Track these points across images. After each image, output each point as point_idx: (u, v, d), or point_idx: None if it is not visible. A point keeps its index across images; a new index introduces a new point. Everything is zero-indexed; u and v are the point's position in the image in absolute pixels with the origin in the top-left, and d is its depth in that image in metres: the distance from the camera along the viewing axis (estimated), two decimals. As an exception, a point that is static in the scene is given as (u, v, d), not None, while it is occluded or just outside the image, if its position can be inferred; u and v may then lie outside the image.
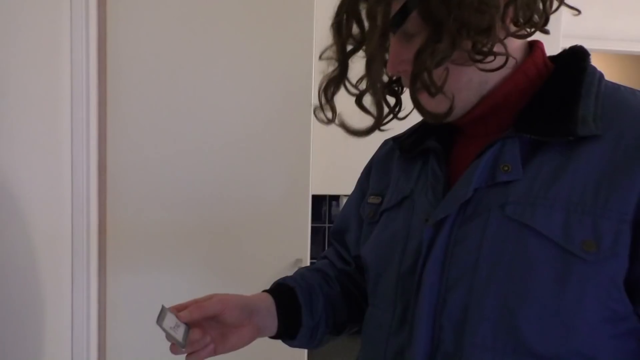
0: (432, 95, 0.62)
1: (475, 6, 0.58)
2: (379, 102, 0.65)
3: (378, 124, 0.67)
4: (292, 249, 1.59)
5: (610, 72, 3.91)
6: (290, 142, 1.63)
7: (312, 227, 1.69)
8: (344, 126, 0.69)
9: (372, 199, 0.83)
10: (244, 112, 1.61)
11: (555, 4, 0.65)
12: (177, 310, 0.71)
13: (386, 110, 0.67)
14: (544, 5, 0.64)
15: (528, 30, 0.64)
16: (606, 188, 0.57)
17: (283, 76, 1.61)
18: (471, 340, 0.61)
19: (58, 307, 1.43)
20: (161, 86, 1.59)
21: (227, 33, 1.58)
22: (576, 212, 0.58)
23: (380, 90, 0.65)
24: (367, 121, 0.67)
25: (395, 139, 0.82)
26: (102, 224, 1.58)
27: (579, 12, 0.67)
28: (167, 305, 0.71)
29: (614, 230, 0.56)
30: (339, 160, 1.87)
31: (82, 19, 1.44)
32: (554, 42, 2.06)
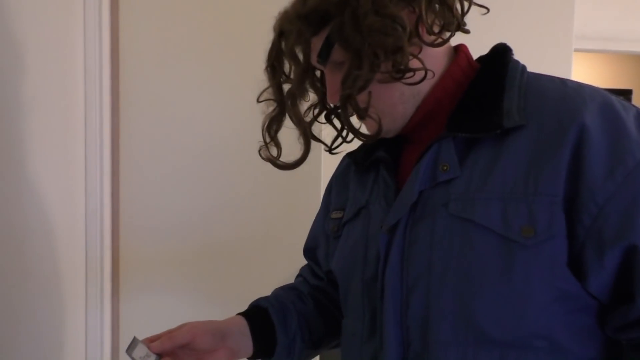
0: (361, 118, 0.67)
1: (383, 29, 0.62)
2: (304, 135, 0.72)
3: (304, 157, 0.74)
4: (302, 253, 1.59)
5: (623, 73, 3.87)
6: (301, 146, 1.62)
7: (324, 231, 1.68)
8: (273, 163, 0.76)
9: (335, 214, 0.85)
10: (256, 118, 1.62)
11: (466, 5, 0.68)
12: (150, 341, 0.73)
13: (322, 139, 0.75)
14: (453, 10, 0.67)
15: (444, 37, 0.67)
16: (534, 174, 0.60)
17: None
18: (435, 338, 0.64)
19: (71, 332, 1.45)
20: (172, 92, 1.60)
21: (239, 34, 1.59)
22: (511, 201, 0.61)
23: (304, 126, 0.72)
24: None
25: (349, 153, 0.84)
26: (115, 227, 1.59)
27: (488, 10, 0.70)
28: (140, 337, 0.73)
29: (548, 213, 0.59)
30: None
31: (95, 21, 1.46)
32: (566, 44, 2.04)
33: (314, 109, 0.79)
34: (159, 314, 1.59)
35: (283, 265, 1.58)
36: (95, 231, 1.50)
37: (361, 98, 0.65)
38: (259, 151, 0.77)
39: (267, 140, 0.76)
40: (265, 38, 0.73)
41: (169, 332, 0.74)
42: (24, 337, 1.21)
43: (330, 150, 0.80)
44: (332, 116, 0.80)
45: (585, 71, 3.71)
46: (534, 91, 0.65)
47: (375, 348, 0.70)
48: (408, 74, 0.64)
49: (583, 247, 0.59)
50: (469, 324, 0.62)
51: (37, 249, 1.26)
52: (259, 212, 1.63)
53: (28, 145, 1.21)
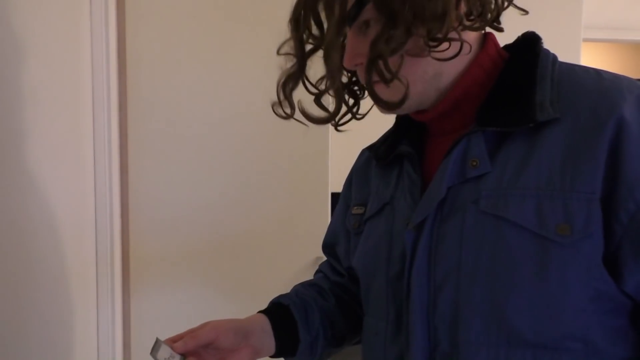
0: (387, 82, 0.62)
1: None
2: (337, 91, 0.66)
3: (336, 114, 0.67)
4: (311, 247, 1.57)
5: (633, 63, 3.82)
6: (309, 139, 1.63)
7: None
8: (304, 114, 0.69)
9: (356, 210, 0.83)
10: (263, 110, 1.62)
11: (506, 3, 0.66)
12: (173, 341, 0.71)
13: (344, 109, 0.69)
14: (496, 1, 0.64)
15: (480, 24, 0.64)
16: (571, 170, 0.58)
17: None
18: (465, 338, 0.62)
19: (83, 328, 1.46)
20: (180, 88, 1.60)
21: (244, 32, 1.59)
22: (546, 198, 0.59)
23: (339, 80, 0.66)
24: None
25: (370, 148, 0.82)
26: (124, 224, 1.60)
27: (526, 12, 0.68)
28: (162, 338, 0.72)
29: (585, 211, 0.57)
30: (357, 158, 1.86)
31: (101, 19, 1.47)
32: (575, 34, 2.02)
33: (325, 81, 0.74)
34: (170, 309, 1.61)
35: (291, 260, 1.58)
36: (105, 228, 1.51)
37: (392, 61, 0.62)
38: (272, 107, 0.71)
39: (282, 98, 0.70)
40: (271, 37, 0.70)
41: (192, 332, 0.73)
42: (36, 335, 1.22)
43: (337, 126, 0.76)
44: (345, 91, 0.75)
45: (594, 61, 3.67)
46: (568, 83, 0.63)
47: (401, 348, 0.69)
48: (443, 45, 0.61)
49: (620, 246, 0.58)
50: (501, 324, 0.60)
51: (47, 247, 1.27)
52: (267, 208, 1.63)
53: (37, 143, 1.21)
